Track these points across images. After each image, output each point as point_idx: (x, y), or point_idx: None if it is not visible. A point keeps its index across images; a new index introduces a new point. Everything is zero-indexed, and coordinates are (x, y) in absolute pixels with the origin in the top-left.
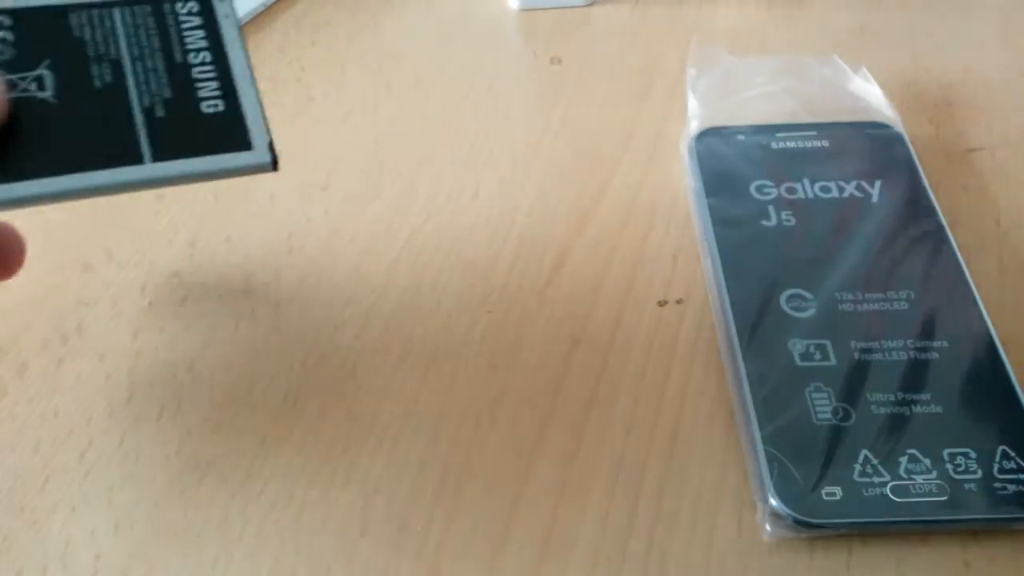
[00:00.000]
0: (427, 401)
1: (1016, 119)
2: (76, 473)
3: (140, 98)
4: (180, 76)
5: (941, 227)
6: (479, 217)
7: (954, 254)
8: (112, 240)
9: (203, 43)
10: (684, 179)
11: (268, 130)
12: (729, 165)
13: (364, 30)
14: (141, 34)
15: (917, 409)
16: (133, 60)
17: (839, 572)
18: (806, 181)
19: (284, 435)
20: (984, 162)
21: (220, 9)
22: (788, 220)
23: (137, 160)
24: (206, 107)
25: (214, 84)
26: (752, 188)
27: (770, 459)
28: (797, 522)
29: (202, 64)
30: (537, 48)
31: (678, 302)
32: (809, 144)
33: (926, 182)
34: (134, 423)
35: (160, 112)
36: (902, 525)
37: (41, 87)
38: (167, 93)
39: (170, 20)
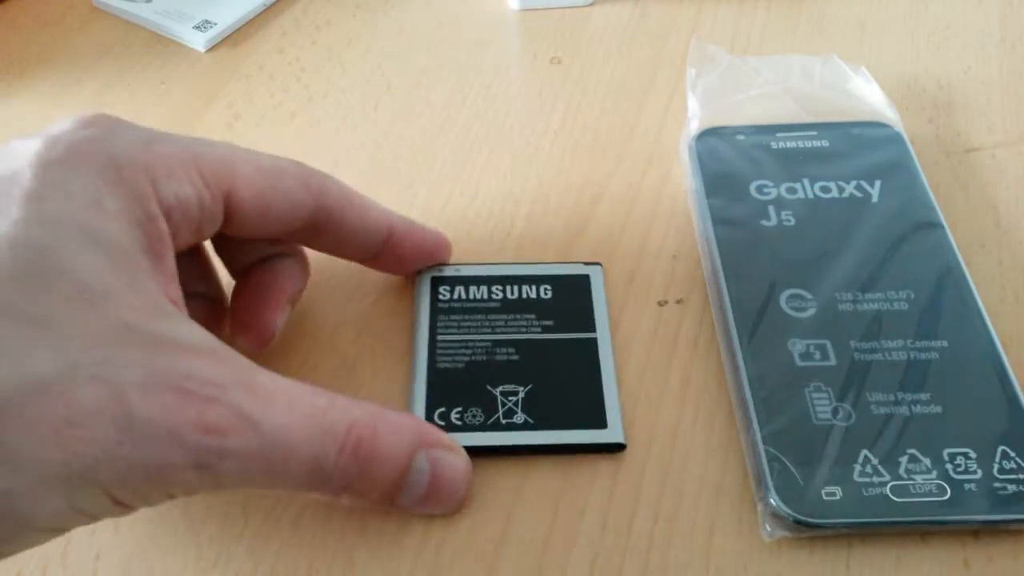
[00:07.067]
0: None
1: (1016, 119)
2: None
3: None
4: None
5: (941, 227)
6: (478, 218)
7: (954, 254)
8: None
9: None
10: (684, 179)
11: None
12: (729, 165)
13: (364, 30)
14: None
15: (917, 409)
16: None
17: (839, 571)
18: (806, 181)
19: None
20: (984, 162)
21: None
22: (788, 220)
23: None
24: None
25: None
26: (752, 188)
27: (770, 459)
28: (797, 522)
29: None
30: (537, 48)
31: (678, 302)
32: (809, 144)
33: (926, 182)
34: None
35: None
36: (902, 525)
37: None
38: None
39: None
